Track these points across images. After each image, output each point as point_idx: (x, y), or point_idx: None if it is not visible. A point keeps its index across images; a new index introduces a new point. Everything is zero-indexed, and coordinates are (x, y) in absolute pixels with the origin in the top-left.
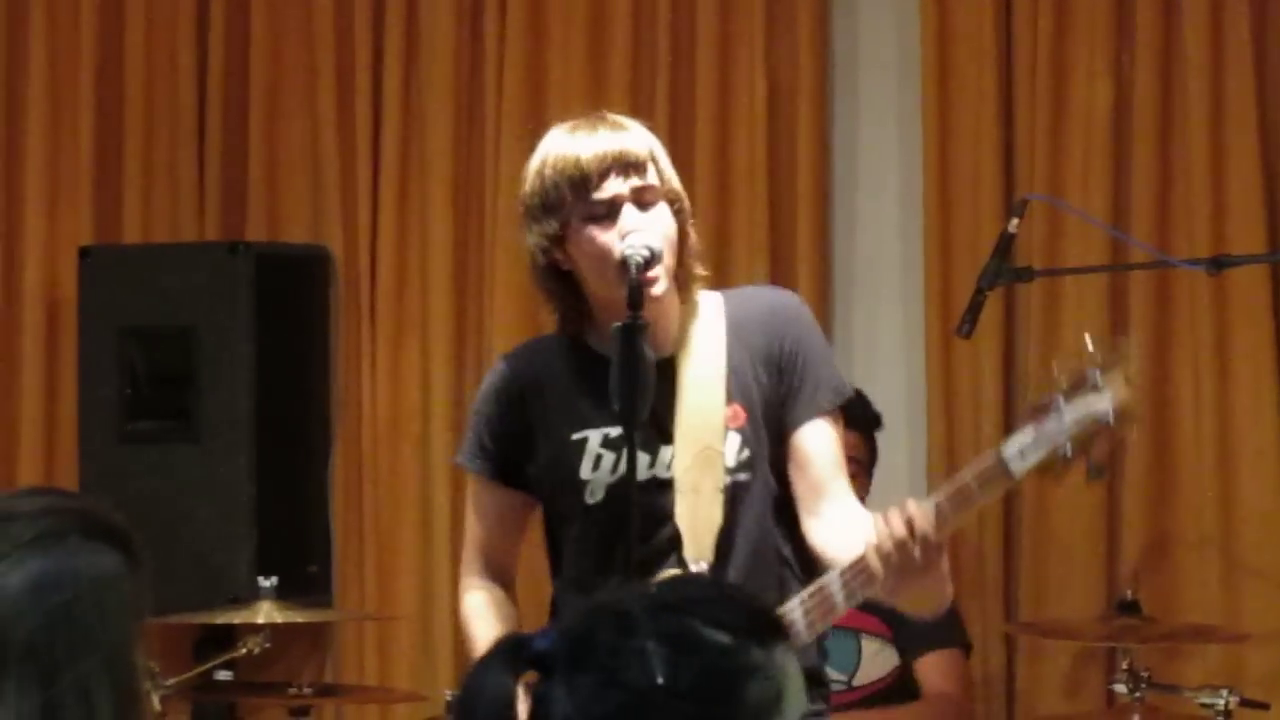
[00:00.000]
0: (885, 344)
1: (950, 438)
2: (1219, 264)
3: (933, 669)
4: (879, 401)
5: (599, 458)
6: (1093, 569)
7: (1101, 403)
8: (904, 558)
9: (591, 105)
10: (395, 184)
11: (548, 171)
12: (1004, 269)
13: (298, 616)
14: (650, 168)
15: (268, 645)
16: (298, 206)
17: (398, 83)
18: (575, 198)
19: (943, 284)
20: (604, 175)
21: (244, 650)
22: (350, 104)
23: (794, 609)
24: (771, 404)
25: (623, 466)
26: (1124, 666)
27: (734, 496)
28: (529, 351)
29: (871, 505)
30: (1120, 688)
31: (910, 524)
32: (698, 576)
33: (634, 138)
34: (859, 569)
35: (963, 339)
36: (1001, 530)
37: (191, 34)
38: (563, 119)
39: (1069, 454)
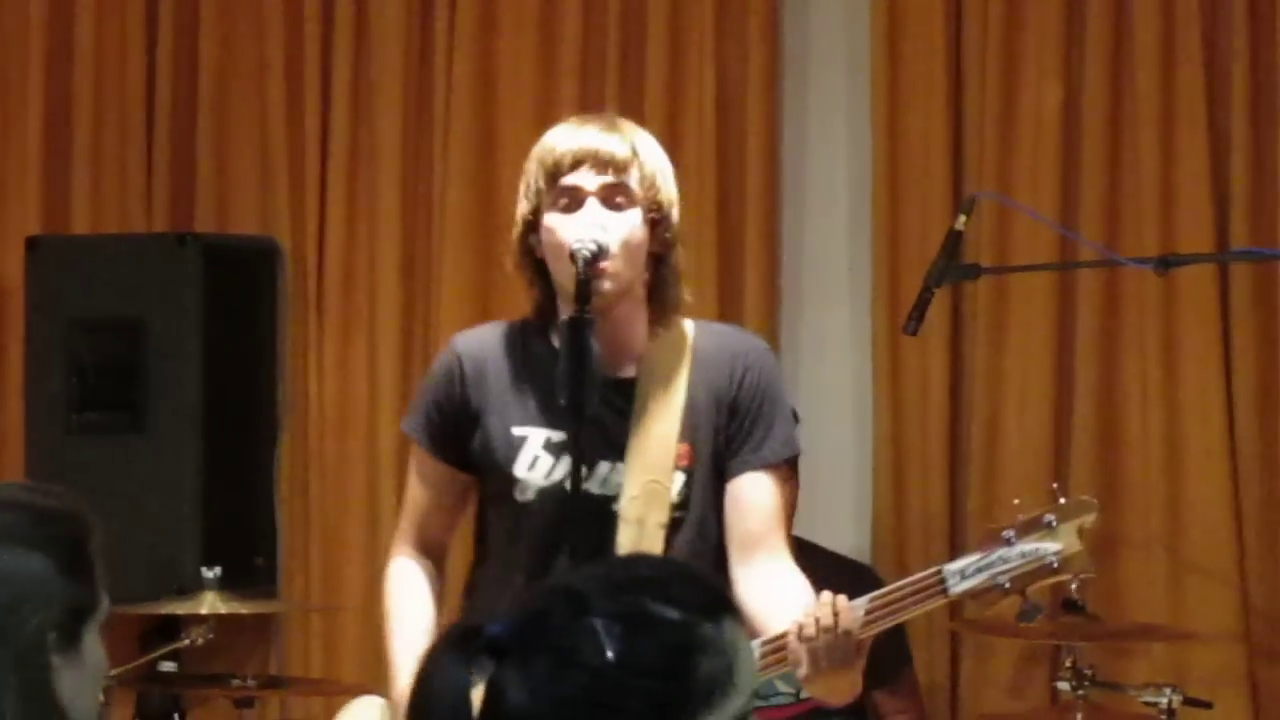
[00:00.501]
0: (833, 342)
1: (897, 435)
2: (1167, 263)
3: (895, 698)
4: (827, 398)
5: (536, 459)
6: None
7: (1050, 547)
8: (825, 648)
9: (541, 100)
10: (344, 176)
11: (535, 154)
12: (952, 267)
13: (243, 608)
14: (632, 170)
15: (212, 636)
16: (246, 198)
17: (347, 75)
18: (546, 184)
19: (891, 282)
20: (574, 166)
21: (188, 641)
22: (299, 96)
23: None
24: (719, 446)
25: (558, 473)
26: (1068, 664)
27: (671, 533)
28: (485, 335)
29: (813, 509)
30: (1064, 686)
31: (836, 617)
32: (647, 556)
33: (619, 139)
34: (777, 647)
35: (909, 337)
36: (948, 526)
37: (141, 25)
38: (513, 114)
39: (1006, 588)
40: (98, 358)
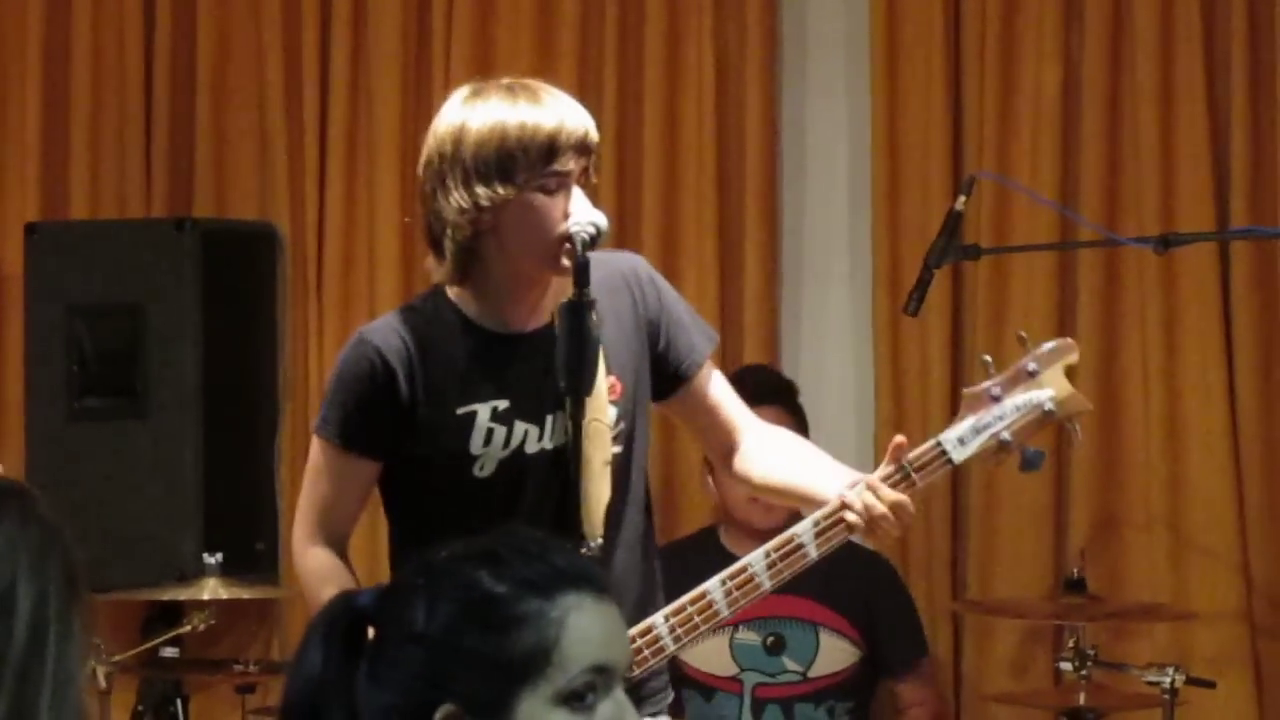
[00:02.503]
0: (834, 322)
1: (899, 416)
2: (1167, 243)
3: (912, 688)
4: (827, 379)
5: (490, 431)
6: (1040, 548)
7: (1043, 394)
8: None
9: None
10: (343, 161)
11: (512, 133)
12: (951, 247)
13: (244, 593)
14: (596, 152)
15: (213, 622)
16: (245, 183)
17: (345, 59)
18: (537, 166)
19: (891, 262)
20: (567, 149)
21: (190, 627)
22: (298, 81)
23: (757, 561)
24: (643, 368)
25: (515, 440)
26: (1070, 645)
27: (615, 470)
28: (395, 325)
29: None
30: (1066, 666)
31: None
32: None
33: (586, 116)
34: (834, 520)
35: (910, 317)
36: (949, 509)
37: (138, 11)
38: None
39: (1009, 441)
40: (97, 343)
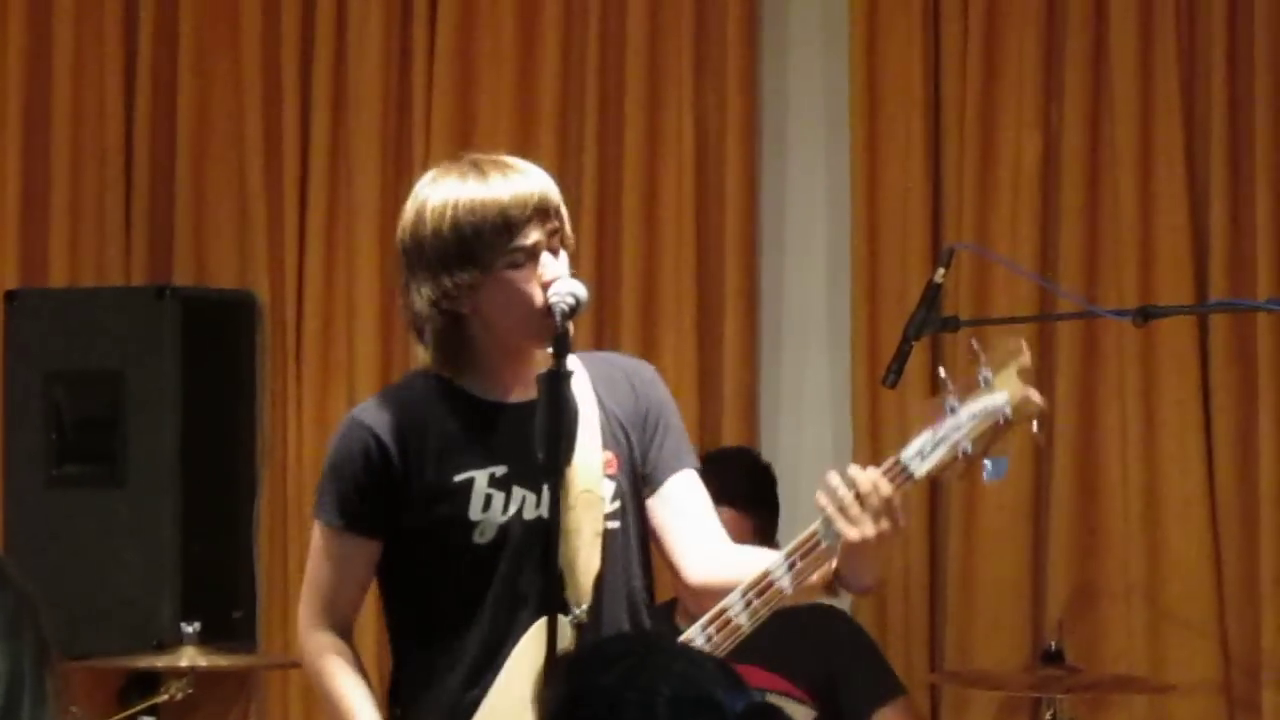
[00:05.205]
0: (812, 393)
1: None
2: (1146, 314)
3: (894, 711)
4: (805, 450)
5: (488, 497)
6: (1018, 618)
7: (997, 399)
8: (871, 512)
9: (520, 152)
10: (322, 229)
11: (463, 217)
12: (930, 319)
13: (222, 661)
14: (562, 212)
15: (191, 691)
16: (224, 251)
17: (325, 128)
18: (497, 244)
19: (870, 333)
20: (527, 221)
21: (167, 695)
22: (278, 149)
23: (734, 602)
24: (635, 458)
25: (512, 506)
26: (1048, 716)
27: (607, 542)
28: (387, 403)
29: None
30: None
31: (874, 484)
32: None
33: (548, 182)
34: (809, 547)
35: (888, 389)
36: (927, 579)
37: (119, 77)
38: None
39: (969, 451)
40: (76, 411)
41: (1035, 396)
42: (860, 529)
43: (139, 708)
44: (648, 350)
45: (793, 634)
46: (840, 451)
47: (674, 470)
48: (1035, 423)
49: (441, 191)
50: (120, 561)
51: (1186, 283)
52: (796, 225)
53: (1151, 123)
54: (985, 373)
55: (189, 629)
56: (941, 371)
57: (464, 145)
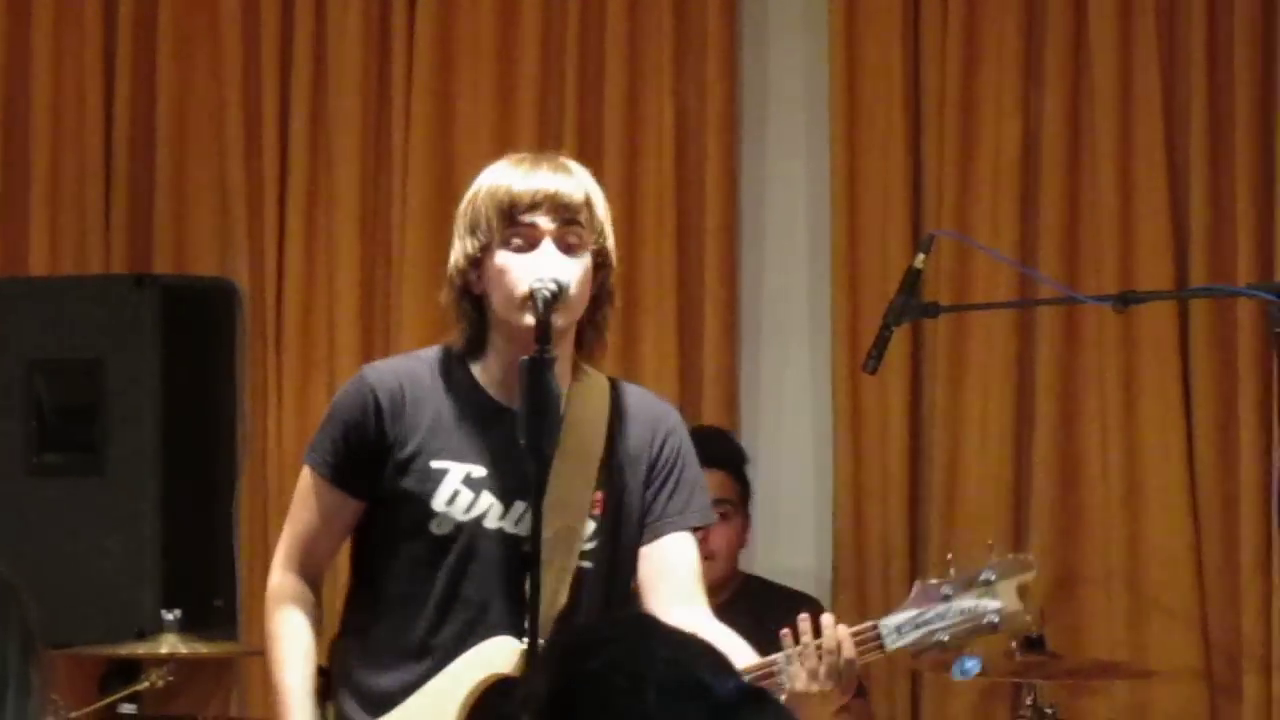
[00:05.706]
0: (793, 380)
1: (857, 474)
2: (1126, 300)
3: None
4: (786, 436)
5: (456, 493)
6: None
7: (990, 605)
8: (827, 669)
9: (500, 140)
10: (302, 217)
11: (481, 194)
12: (910, 305)
13: (202, 649)
14: (584, 216)
15: (172, 678)
16: (204, 239)
17: (305, 116)
18: (500, 223)
19: (850, 320)
20: (532, 208)
21: (148, 683)
22: (257, 137)
23: None
24: (634, 507)
25: (477, 509)
26: (1029, 702)
27: (578, 581)
28: (399, 368)
29: (773, 539)
30: None
31: (839, 644)
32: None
33: (574, 183)
34: (766, 673)
35: (869, 375)
36: (907, 566)
37: (99, 66)
38: (471, 153)
39: (945, 643)
40: (56, 399)
41: (1026, 620)
42: (806, 680)
43: (120, 695)
44: (628, 338)
45: (764, 619)
46: (820, 438)
47: (673, 529)
48: (1015, 640)
49: (493, 171)
50: (101, 550)
51: (1167, 269)
52: (777, 213)
53: (1131, 110)
54: (989, 574)
55: (169, 617)
56: (949, 556)
57: (444, 134)
